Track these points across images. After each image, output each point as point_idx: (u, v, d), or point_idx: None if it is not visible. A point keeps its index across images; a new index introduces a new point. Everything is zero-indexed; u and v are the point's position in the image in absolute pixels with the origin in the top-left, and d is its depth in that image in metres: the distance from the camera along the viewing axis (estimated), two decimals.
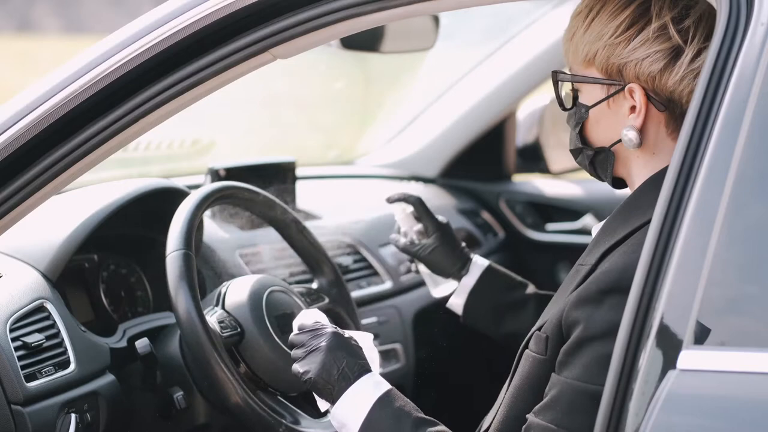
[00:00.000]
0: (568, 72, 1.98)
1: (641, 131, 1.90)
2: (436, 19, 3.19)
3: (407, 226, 2.44)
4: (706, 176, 1.57)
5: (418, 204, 2.46)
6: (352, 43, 3.16)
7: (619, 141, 1.93)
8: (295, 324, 2.08)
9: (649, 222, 1.64)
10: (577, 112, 1.97)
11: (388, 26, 3.11)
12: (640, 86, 1.88)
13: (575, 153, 2.01)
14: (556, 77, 1.99)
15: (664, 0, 1.88)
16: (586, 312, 1.80)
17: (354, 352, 1.99)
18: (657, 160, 1.92)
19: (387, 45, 3.16)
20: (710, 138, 1.58)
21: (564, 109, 1.99)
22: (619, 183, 1.99)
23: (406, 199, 2.47)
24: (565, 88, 1.99)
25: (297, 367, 2.00)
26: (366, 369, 1.97)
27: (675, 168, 1.60)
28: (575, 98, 1.97)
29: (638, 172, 1.94)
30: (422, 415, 1.93)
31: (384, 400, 1.93)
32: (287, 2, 1.90)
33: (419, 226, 2.47)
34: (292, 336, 2.05)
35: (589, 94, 1.94)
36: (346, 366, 1.96)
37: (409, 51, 3.42)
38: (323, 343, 1.99)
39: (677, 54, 1.87)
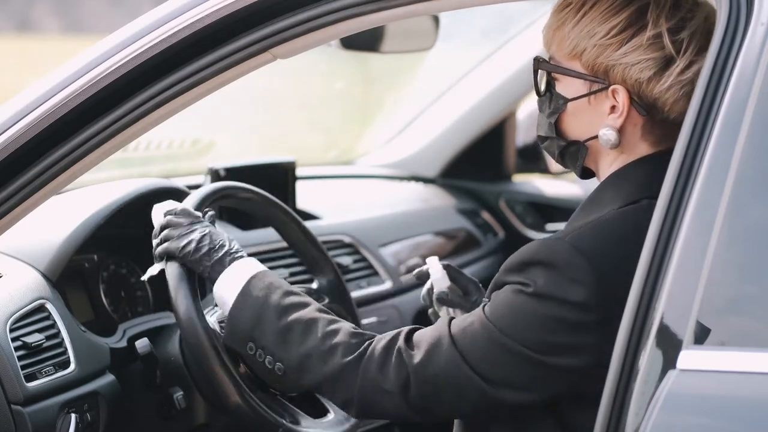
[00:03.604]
0: (551, 61, 1.95)
1: (618, 131, 1.90)
2: (436, 19, 3.19)
3: (441, 286, 2.27)
4: (706, 176, 1.58)
5: (452, 268, 2.29)
6: (352, 43, 3.16)
7: (595, 137, 1.93)
8: (160, 211, 2.16)
9: (602, 215, 1.81)
10: (554, 102, 1.95)
11: (388, 26, 3.11)
12: (626, 89, 1.88)
13: (544, 140, 1.99)
14: (538, 65, 1.96)
15: (662, 9, 1.87)
16: (513, 277, 1.86)
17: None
18: (623, 159, 1.93)
19: (387, 45, 3.16)
20: (710, 138, 1.58)
21: (539, 94, 1.97)
22: (587, 173, 2.00)
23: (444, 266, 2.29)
24: (543, 74, 1.97)
25: (171, 244, 2.11)
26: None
27: (675, 168, 1.60)
28: (552, 86, 1.96)
29: (605, 168, 1.95)
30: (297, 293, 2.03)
31: (261, 274, 2.08)
32: (287, 2, 1.90)
33: (451, 286, 2.29)
34: (167, 218, 2.12)
35: (569, 87, 1.93)
36: (232, 244, 2.12)
37: (409, 51, 3.42)
38: (207, 226, 2.13)
39: (668, 63, 1.87)
